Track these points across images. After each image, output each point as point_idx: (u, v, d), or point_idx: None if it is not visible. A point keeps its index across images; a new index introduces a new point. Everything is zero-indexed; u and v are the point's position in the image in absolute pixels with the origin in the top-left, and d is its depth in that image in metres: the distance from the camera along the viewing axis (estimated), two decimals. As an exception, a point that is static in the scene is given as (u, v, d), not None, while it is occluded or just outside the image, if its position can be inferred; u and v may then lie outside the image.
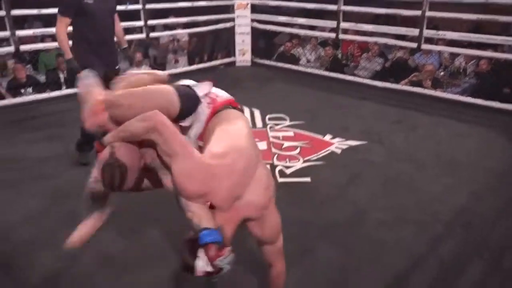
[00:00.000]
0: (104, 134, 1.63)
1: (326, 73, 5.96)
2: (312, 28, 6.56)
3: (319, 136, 3.87)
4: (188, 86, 1.76)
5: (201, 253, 1.37)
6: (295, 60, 6.46)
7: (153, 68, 6.21)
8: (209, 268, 1.37)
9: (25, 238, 2.41)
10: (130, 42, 6.74)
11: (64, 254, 2.08)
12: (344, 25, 5.45)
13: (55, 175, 3.11)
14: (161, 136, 1.46)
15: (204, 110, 1.71)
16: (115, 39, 3.29)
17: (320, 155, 3.49)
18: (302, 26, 6.32)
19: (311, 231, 2.50)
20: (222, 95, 1.81)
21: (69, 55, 3.02)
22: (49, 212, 2.68)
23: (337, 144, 3.71)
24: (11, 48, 4.48)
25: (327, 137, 3.85)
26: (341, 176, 3.16)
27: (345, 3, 5.44)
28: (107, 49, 3.15)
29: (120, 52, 3.40)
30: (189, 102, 1.67)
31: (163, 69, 6.16)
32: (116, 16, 3.28)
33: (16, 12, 4.39)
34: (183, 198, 1.45)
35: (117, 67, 3.25)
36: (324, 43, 6.52)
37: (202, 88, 1.76)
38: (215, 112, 1.71)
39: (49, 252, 2.26)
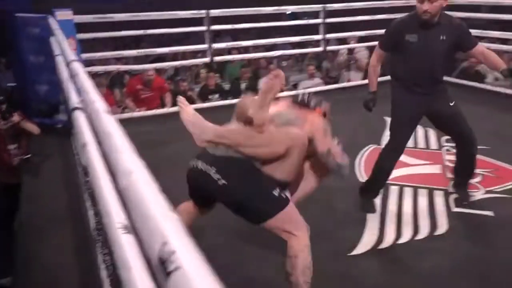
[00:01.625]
0: None
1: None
2: (504, 41, 5.84)
3: (507, 165, 3.41)
4: None
5: None
6: (480, 77, 5.83)
7: (325, 80, 6.39)
8: None
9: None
10: (305, 55, 7.11)
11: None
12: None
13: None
14: None
15: None
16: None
17: (507, 187, 3.07)
18: (492, 40, 5.67)
19: (490, 273, 2.21)
20: None
21: (371, 88, 2.82)
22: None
23: (530, 177, 3.21)
24: (207, 59, 5.17)
25: (517, 168, 3.37)
26: (533, 215, 2.73)
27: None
28: (433, 90, 2.70)
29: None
30: None
31: (335, 82, 6.26)
32: (479, 49, 2.65)
33: (215, 27, 5.04)
34: None
35: (451, 104, 2.72)
36: (520, 59, 5.72)
37: None
38: None
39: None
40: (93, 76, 5.08)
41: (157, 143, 4.24)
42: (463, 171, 2.95)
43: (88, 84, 1.30)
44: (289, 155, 1.92)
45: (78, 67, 1.65)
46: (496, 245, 2.44)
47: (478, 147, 3.66)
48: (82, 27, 4.66)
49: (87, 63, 5.01)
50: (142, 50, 5.07)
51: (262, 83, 2.27)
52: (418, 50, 2.58)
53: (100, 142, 0.98)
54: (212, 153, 1.92)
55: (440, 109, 2.72)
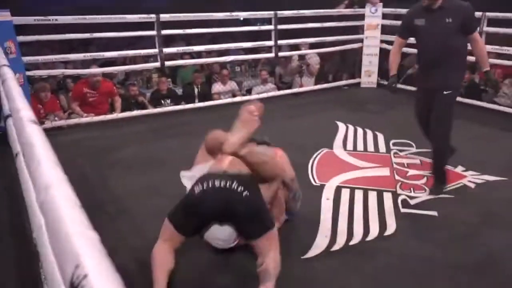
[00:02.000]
0: None
1: (460, 99, 5.48)
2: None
3: (450, 167, 3.54)
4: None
5: None
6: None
7: (278, 85, 6.43)
8: None
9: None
10: (258, 60, 7.13)
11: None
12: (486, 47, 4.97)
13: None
14: None
15: None
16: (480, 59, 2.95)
17: (450, 188, 3.19)
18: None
19: (434, 270, 2.28)
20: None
21: (391, 71, 3.12)
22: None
23: (471, 178, 3.36)
24: (157, 64, 5.04)
25: (459, 169, 3.52)
26: (473, 214, 2.85)
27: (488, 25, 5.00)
28: (436, 71, 2.91)
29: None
30: None
31: (288, 87, 6.31)
32: (474, 36, 2.85)
33: (165, 32, 4.93)
34: None
35: (445, 92, 2.87)
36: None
37: None
38: None
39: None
40: (37, 80, 4.82)
41: (108, 149, 4.08)
42: (433, 164, 3.16)
43: (15, 91, 1.19)
44: (276, 181, 2.27)
45: (7, 72, 1.52)
46: (440, 243, 2.52)
47: (422, 149, 3.85)
48: (29, 30, 4.40)
49: (30, 66, 4.74)
50: (89, 54, 4.87)
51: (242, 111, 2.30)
52: (426, 32, 2.89)
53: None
54: (223, 172, 2.08)
55: (435, 94, 2.93)
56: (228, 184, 2.00)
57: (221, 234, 2.08)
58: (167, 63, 5.17)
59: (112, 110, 5.11)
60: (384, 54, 6.28)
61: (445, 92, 2.88)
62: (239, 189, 1.99)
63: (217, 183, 2.01)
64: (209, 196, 2.00)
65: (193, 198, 2.04)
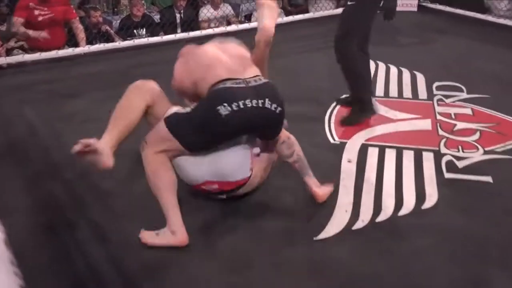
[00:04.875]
0: None
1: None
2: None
3: (511, 118, 3.49)
4: None
5: None
6: (482, 7, 5.89)
7: (285, 9, 6.23)
8: None
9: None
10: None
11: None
12: None
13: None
14: None
15: None
16: None
17: (510, 146, 3.15)
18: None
19: (488, 252, 2.26)
20: None
21: None
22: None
23: (538, 133, 3.31)
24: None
25: (522, 121, 3.47)
26: (540, 180, 2.82)
27: None
28: None
29: None
30: None
31: (301, 12, 6.12)
32: None
33: None
34: None
35: None
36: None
37: None
38: None
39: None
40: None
41: (62, 96, 4.03)
42: None
43: None
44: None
45: None
46: (494, 218, 2.49)
47: (475, 95, 3.77)
48: None
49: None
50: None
51: None
52: None
53: None
54: (251, 86, 2.23)
55: None
56: (260, 103, 2.20)
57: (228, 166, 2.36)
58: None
59: (72, 43, 4.98)
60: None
61: (349, 2, 3.37)
62: (272, 106, 2.23)
63: (248, 102, 2.17)
64: (240, 119, 2.18)
65: (218, 121, 2.16)
